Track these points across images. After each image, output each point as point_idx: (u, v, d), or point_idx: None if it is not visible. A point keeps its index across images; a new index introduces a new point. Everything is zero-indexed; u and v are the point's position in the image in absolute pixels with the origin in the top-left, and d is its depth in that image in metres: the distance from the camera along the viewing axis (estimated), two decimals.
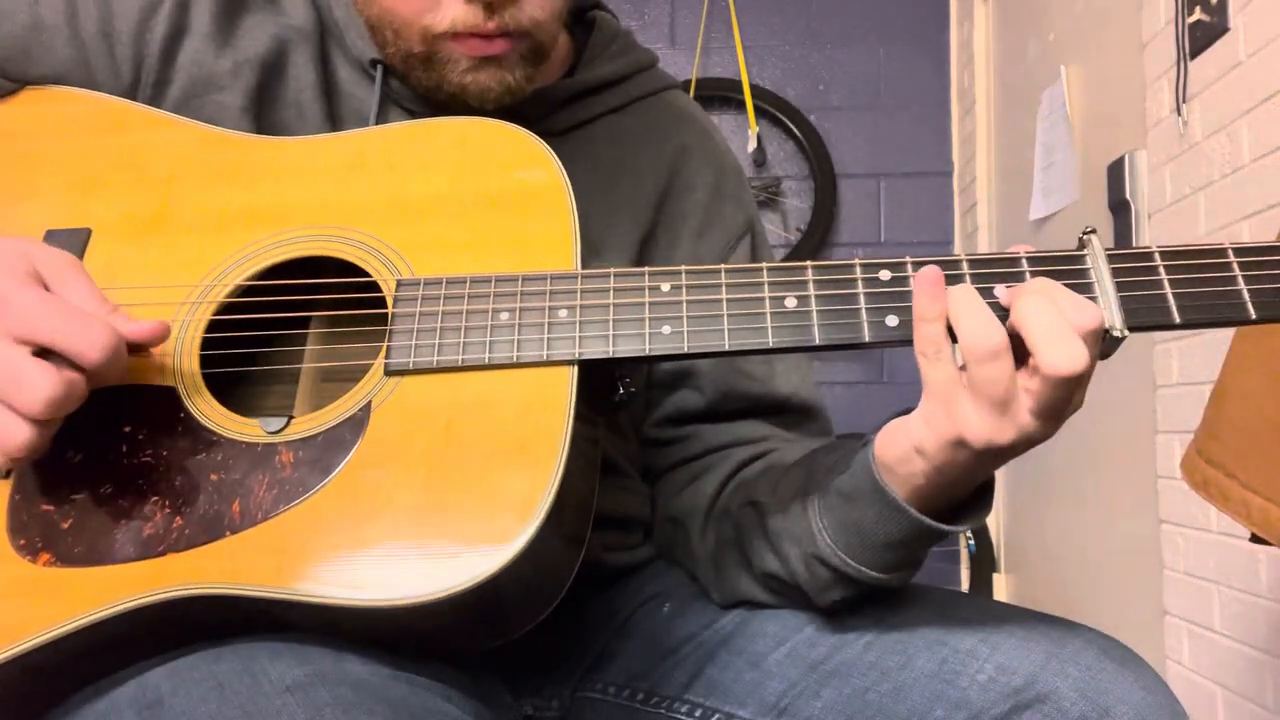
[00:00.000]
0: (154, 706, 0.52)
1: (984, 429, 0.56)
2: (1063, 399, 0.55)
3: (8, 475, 0.60)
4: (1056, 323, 0.54)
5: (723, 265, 0.62)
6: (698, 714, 0.71)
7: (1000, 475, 3.01)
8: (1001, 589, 2.65)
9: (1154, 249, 0.59)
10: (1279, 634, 1.45)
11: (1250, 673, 1.51)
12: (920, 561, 0.67)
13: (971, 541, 2.67)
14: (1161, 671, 1.58)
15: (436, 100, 0.76)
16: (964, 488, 0.62)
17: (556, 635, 0.80)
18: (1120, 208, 1.91)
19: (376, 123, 0.77)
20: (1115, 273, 0.58)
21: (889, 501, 0.61)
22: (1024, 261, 0.60)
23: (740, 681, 0.71)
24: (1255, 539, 1.04)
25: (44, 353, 0.55)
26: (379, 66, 0.78)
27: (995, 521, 2.72)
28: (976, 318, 0.56)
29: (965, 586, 2.75)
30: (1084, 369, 0.54)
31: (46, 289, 0.57)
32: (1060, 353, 0.54)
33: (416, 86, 0.77)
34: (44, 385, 0.54)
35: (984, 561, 2.66)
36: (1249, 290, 0.58)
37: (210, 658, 0.54)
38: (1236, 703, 1.55)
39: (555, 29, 0.76)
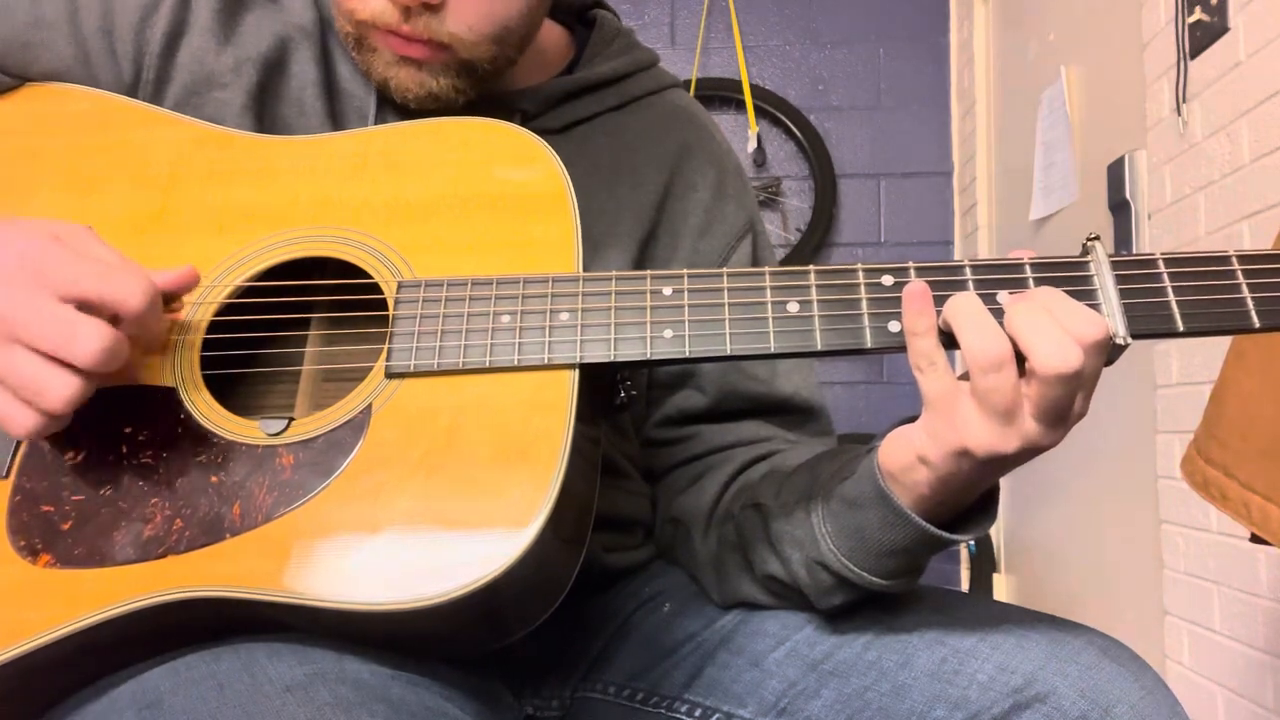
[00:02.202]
0: (154, 706, 0.52)
1: (988, 438, 0.56)
2: (1062, 401, 0.55)
3: (7, 475, 0.60)
4: (1045, 322, 0.54)
5: (724, 269, 0.62)
6: (698, 713, 0.72)
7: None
8: (1001, 589, 2.65)
9: (1158, 256, 0.59)
10: (1279, 634, 1.45)
11: (1250, 673, 1.51)
12: (922, 568, 0.67)
13: (971, 542, 2.67)
14: (1161, 671, 1.58)
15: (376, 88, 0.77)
16: (968, 495, 0.62)
17: (557, 635, 0.80)
18: (1120, 208, 1.91)
19: (375, 122, 0.77)
20: (1119, 279, 0.58)
21: (893, 508, 0.61)
22: (1028, 267, 0.59)
23: (740, 681, 0.71)
24: (1255, 539, 1.05)
25: (85, 307, 0.56)
26: None
27: (995, 522, 2.72)
28: (980, 328, 0.55)
29: (965, 586, 2.75)
30: (1076, 367, 0.53)
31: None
32: (1050, 349, 0.53)
33: (360, 69, 0.77)
34: (97, 337, 0.55)
35: (984, 561, 2.66)
36: (1253, 299, 0.57)
37: (210, 657, 0.55)
38: (1236, 703, 1.55)
39: (490, 51, 0.74)
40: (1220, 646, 1.59)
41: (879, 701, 0.65)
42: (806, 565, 0.68)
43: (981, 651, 0.64)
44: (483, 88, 0.76)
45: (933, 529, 0.61)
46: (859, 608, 0.69)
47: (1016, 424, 0.56)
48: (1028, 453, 0.57)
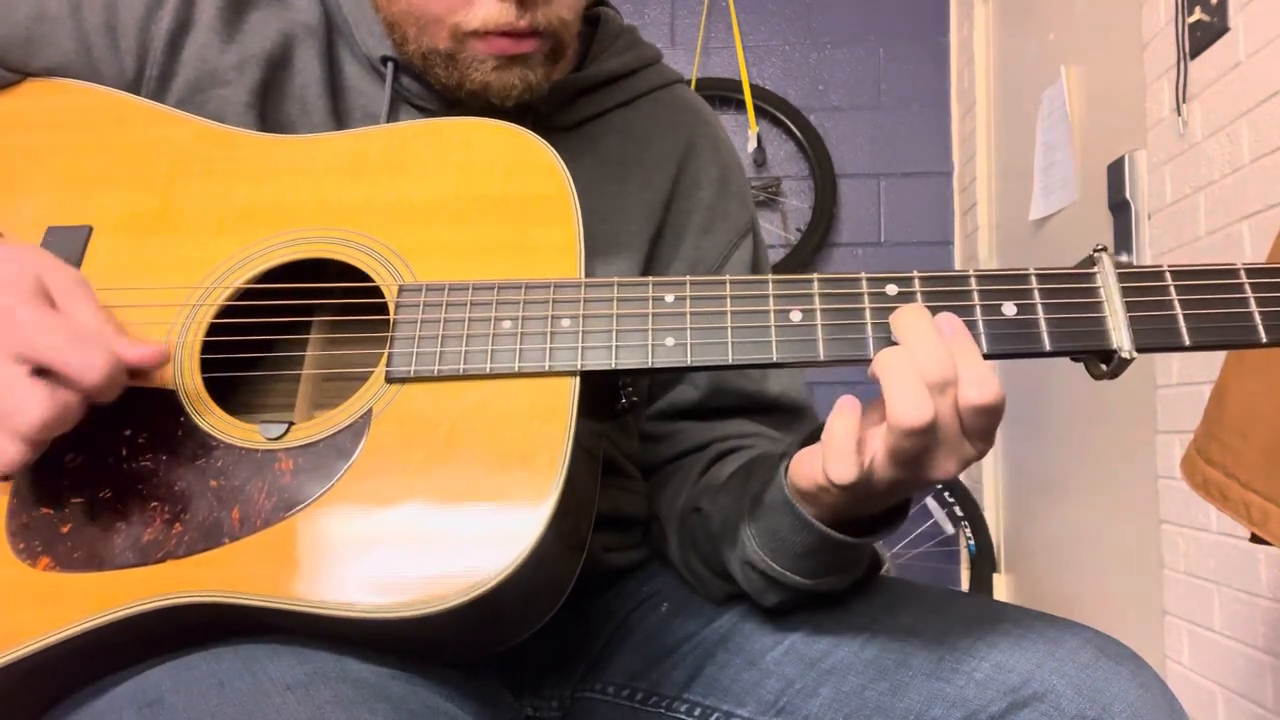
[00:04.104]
0: (154, 705, 0.52)
1: (888, 475, 0.57)
2: (922, 447, 0.55)
3: (7, 478, 0.60)
4: (907, 375, 0.55)
5: (727, 277, 0.62)
6: (697, 713, 0.72)
7: (1000, 474, 2.96)
8: (1001, 589, 2.65)
9: (1165, 268, 0.59)
10: (1279, 634, 1.45)
11: (1250, 673, 1.51)
12: (852, 566, 0.68)
13: (971, 541, 2.67)
14: (1161, 671, 1.58)
15: (453, 98, 0.76)
16: (881, 505, 0.63)
17: (556, 635, 0.80)
18: (1120, 208, 1.91)
19: (388, 121, 0.77)
20: (1125, 292, 0.58)
21: (798, 515, 0.63)
22: (1033, 279, 0.59)
23: (739, 680, 0.71)
24: (1255, 539, 1.05)
25: (42, 371, 0.55)
26: (390, 64, 0.78)
27: (995, 521, 2.72)
28: (909, 393, 0.55)
29: (965, 586, 2.75)
30: (925, 422, 0.54)
31: (53, 305, 0.58)
32: (903, 405, 0.54)
33: (434, 83, 0.76)
34: (37, 408, 0.54)
35: (984, 561, 2.66)
36: (1260, 313, 0.57)
37: (210, 657, 0.55)
38: (1236, 703, 1.55)
39: (577, 28, 0.77)
40: (1220, 646, 1.59)
41: (877, 700, 0.65)
42: (740, 566, 0.70)
43: (979, 650, 0.64)
44: (555, 72, 0.77)
45: (835, 534, 0.62)
46: (851, 604, 0.70)
47: (919, 467, 0.57)
48: (925, 484, 0.58)
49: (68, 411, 0.56)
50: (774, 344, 0.60)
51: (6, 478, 0.57)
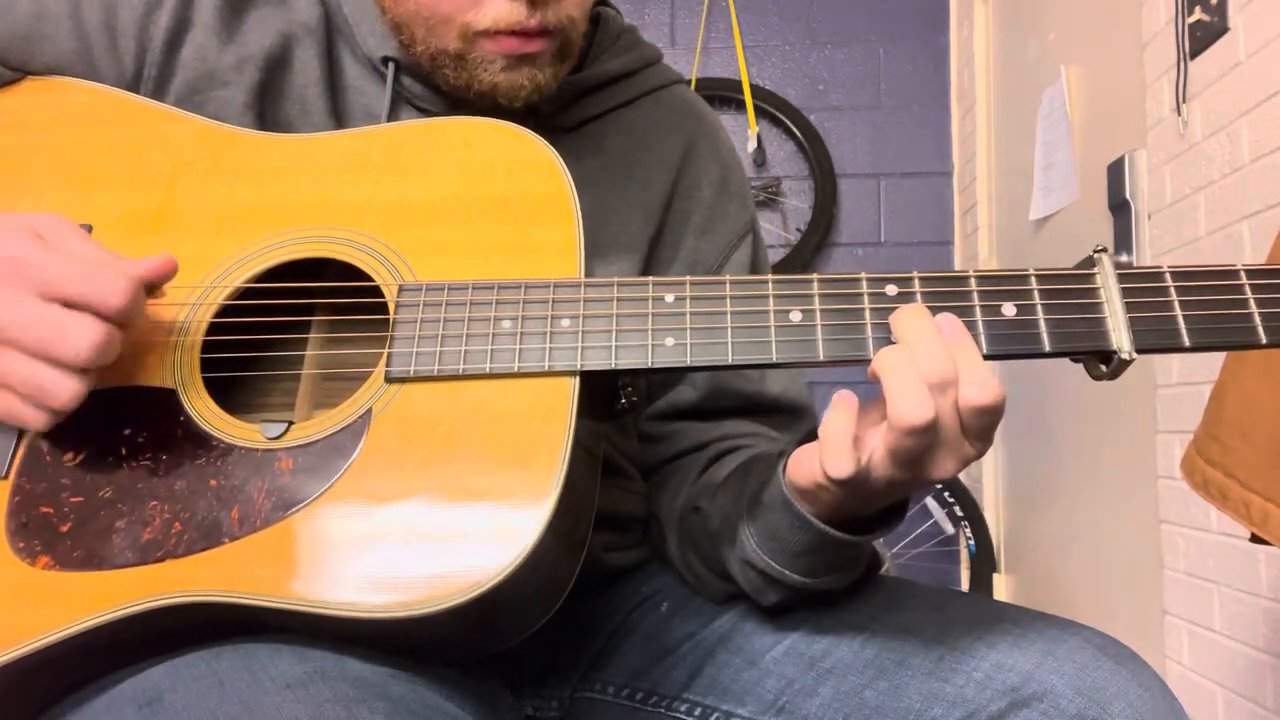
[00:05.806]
0: (154, 703, 0.52)
1: (887, 473, 0.57)
2: (922, 446, 0.55)
3: (6, 476, 0.61)
4: (907, 375, 0.55)
5: (727, 277, 0.62)
6: (697, 713, 0.72)
7: (1000, 475, 2.96)
8: (1001, 589, 2.65)
9: (1165, 269, 0.59)
10: (1279, 634, 1.45)
11: (1250, 673, 1.51)
12: (851, 565, 0.68)
13: (971, 541, 2.67)
14: (1161, 671, 1.58)
15: (461, 98, 0.76)
16: (880, 503, 0.63)
17: (556, 635, 0.80)
18: (1120, 208, 1.91)
19: (388, 121, 0.77)
20: (1125, 293, 0.58)
21: (796, 514, 0.63)
22: (1033, 279, 0.59)
23: (739, 680, 0.71)
24: (1255, 539, 1.05)
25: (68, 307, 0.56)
26: (390, 64, 0.78)
27: (995, 521, 2.72)
28: (909, 393, 0.55)
29: (965, 586, 2.74)
30: (926, 421, 0.54)
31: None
32: (903, 404, 0.54)
33: (442, 84, 0.76)
34: (88, 334, 0.55)
35: (984, 561, 2.66)
36: (1260, 314, 0.57)
37: (210, 655, 0.55)
38: (1236, 703, 1.55)
39: (584, 27, 0.77)
40: (1220, 646, 1.59)
41: (876, 700, 0.65)
42: (739, 565, 0.70)
43: (978, 650, 0.64)
44: (562, 72, 0.77)
45: (834, 533, 0.62)
46: (851, 604, 0.70)
47: (918, 466, 0.57)
48: (925, 483, 0.58)
49: (113, 336, 0.57)
50: (774, 344, 0.60)
51: (59, 416, 0.57)
